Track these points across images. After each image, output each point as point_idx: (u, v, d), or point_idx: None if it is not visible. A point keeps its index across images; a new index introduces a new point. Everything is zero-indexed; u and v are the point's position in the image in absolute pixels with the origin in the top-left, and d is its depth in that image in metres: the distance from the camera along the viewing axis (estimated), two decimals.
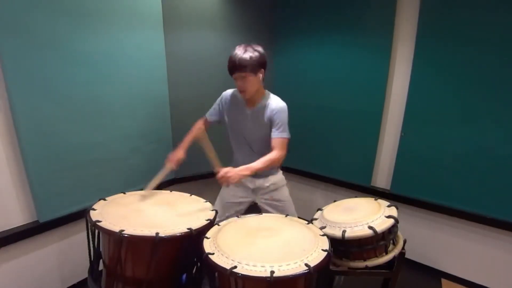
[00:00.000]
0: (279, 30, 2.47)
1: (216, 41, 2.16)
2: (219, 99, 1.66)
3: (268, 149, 1.51)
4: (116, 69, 1.69)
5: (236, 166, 1.64)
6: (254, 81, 1.45)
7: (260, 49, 1.46)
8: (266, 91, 1.58)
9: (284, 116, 1.52)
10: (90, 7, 1.52)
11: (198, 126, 1.64)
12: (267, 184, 1.67)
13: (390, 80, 2.02)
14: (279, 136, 1.49)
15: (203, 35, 2.10)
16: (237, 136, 1.63)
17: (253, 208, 1.68)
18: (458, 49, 1.71)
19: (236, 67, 1.40)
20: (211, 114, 1.68)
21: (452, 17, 1.70)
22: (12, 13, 1.27)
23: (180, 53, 2.03)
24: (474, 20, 1.64)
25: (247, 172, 1.39)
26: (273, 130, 1.50)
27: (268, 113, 1.52)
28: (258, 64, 1.44)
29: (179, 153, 1.54)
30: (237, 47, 1.44)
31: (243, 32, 2.26)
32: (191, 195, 1.48)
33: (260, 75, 1.47)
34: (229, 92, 1.63)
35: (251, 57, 1.40)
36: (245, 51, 1.41)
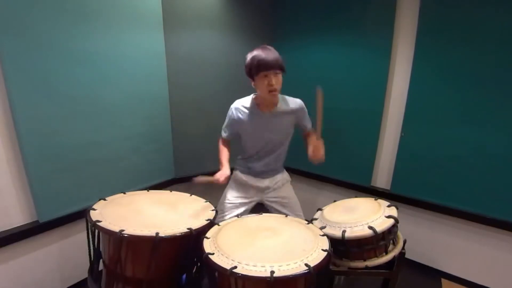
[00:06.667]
0: (279, 30, 2.47)
1: (216, 41, 2.16)
2: (230, 113, 1.61)
3: (283, 148, 1.64)
4: (116, 69, 1.68)
5: (252, 173, 1.66)
6: (281, 80, 1.47)
7: None
8: None
9: (306, 109, 1.64)
10: (90, 7, 1.52)
11: (226, 146, 1.66)
12: (275, 182, 1.68)
13: (390, 80, 2.02)
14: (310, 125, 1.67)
15: (203, 35, 2.10)
16: (257, 142, 1.60)
17: (259, 208, 1.68)
18: (458, 49, 1.71)
19: (272, 64, 1.38)
20: (230, 132, 1.65)
21: (452, 17, 1.70)
22: (12, 13, 1.27)
23: (180, 53, 2.02)
24: (474, 20, 1.64)
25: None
26: (305, 124, 1.65)
27: (293, 113, 1.58)
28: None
29: (227, 171, 1.50)
30: (259, 48, 1.42)
31: (244, 32, 2.26)
32: (191, 195, 1.48)
33: None
34: (239, 102, 1.60)
35: (279, 56, 1.42)
36: (272, 51, 1.42)
